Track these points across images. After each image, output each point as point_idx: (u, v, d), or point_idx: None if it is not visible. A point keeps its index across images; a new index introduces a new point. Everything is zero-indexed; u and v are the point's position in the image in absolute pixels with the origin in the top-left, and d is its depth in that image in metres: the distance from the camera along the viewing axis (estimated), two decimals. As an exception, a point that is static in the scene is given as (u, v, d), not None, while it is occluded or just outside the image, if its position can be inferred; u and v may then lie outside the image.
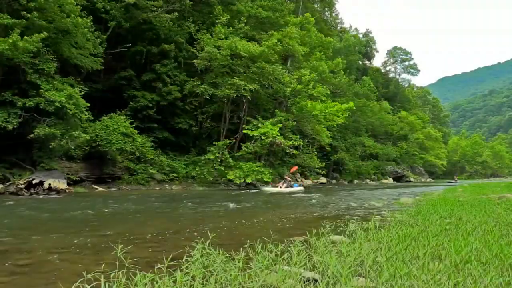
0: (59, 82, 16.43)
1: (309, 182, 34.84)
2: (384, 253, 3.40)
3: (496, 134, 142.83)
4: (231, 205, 11.38)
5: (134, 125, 21.56)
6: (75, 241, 5.29)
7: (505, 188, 17.78)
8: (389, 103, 66.53)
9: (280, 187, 20.19)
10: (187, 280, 2.68)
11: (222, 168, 22.65)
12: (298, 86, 25.17)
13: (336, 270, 2.93)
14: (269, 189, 20.30)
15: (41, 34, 14.70)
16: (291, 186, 20.51)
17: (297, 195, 17.38)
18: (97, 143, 18.92)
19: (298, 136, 25.13)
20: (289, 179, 21.07)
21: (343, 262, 3.08)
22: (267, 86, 25.86)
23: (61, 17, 16.10)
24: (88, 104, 17.16)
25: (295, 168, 22.81)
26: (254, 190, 20.60)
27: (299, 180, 33.67)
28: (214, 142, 24.44)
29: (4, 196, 13.87)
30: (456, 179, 57.17)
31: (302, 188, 20.71)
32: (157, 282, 2.59)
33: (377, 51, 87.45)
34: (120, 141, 19.49)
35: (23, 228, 6.81)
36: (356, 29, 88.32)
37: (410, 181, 52.70)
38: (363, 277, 3.00)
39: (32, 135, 14.96)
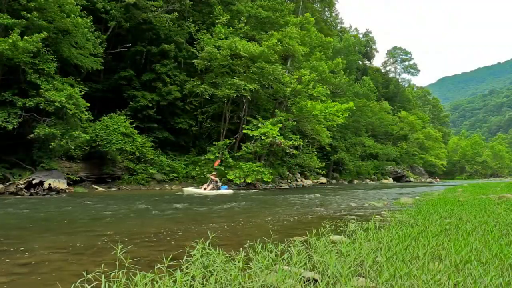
0: (59, 82, 16.44)
1: (309, 182, 34.86)
2: (384, 253, 3.40)
3: (496, 134, 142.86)
4: (231, 205, 11.38)
5: (134, 125, 21.59)
6: (75, 241, 5.29)
7: (505, 188, 17.78)
8: (389, 103, 66.58)
9: (205, 189, 16.98)
10: (187, 280, 2.68)
11: (222, 168, 22.67)
12: (298, 86, 25.16)
13: (336, 270, 2.93)
14: (191, 190, 16.84)
15: (41, 34, 14.71)
16: (218, 188, 17.26)
17: (297, 195, 17.33)
18: (97, 143, 18.94)
19: (298, 136, 25.12)
20: (215, 179, 17.69)
21: (343, 262, 3.08)
22: (267, 86, 25.86)
23: (61, 17, 16.11)
24: (88, 104, 17.18)
25: (218, 161, 19.16)
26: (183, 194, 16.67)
27: (299, 180, 33.67)
28: (214, 142, 24.47)
29: (4, 196, 13.87)
30: (437, 179, 57.62)
31: (231, 191, 17.55)
32: (157, 282, 2.59)
33: (377, 51, 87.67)
34: (120, 141, 19.51)
35: (23, 228, 6.81)
36: (356, 29, 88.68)
37: (410, 181, 52.72)
38: (363, 277, 3.00)
39: (32, 135, 14.98)
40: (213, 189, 17.00)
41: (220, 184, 17.75)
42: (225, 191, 17.44)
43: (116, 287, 2.60)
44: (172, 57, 25.72)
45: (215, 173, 18.46)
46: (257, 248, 3.49)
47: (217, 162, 19.31)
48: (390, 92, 78.29)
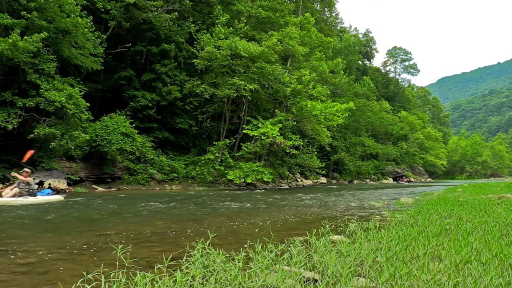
0: (59, 82, 16.45)
1: (309, 182, 34.85)
2: (384, 253, 3.40)
3: (496, 134, 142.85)
4: (231, 205, 11.38)
5: (134, 125, 21.60)
6: (75, 241, 5.29)
7: (505, 188, 17.77)
8: (389, 103, 66.68)
9: (7, 193, 11.13)
10: (187, 280, 2.68)
11: (222, 168, 22.68)
12: (298, 86, 25.17)
13: (336, 270, 2.93)
14: None
15: (41, 34, 14.72)
16: (32, 194, 11.38)
17: (297, 195, 17.22)
18: (97, 143, 18.95)
19: (298, 136, 25.14)
20: (26, 180, 11.46)
21: (343, 262, 3.08)
22: (267, 86, 25.87)
23: (61, 17, 16.12)
24: (88, 104, 17.20)
25: (30, 152, 13.48)
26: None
27: (299, 180, 33.63)
28: (214, 142, 24.48)
29: (4, 196, 13.84)
30: (405, 180, 54.97)
31: (58, 197, 12.09)
32: (157, 282, 2.59)
33: (377, 51, 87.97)
34: (120, 141, 19.52)
35: (23, 228, 6.81)
36: (356, 29, 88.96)
37: (410, 181, 52.78)
38: (363, 277, 3.00)
39: (32, 135, 14.98)
40: (19, 195, 11.11)
41: (35, 188, 11.80)
42: (46, 197, 11.57)
43: (116, 287, 2.60)
44: (172, 57, 25.73)
45: (27, 171, 11.86)
46: (257, 248, 3.50)
47: (29, 154, 13.51)
48: (390, 92, 78.42)
